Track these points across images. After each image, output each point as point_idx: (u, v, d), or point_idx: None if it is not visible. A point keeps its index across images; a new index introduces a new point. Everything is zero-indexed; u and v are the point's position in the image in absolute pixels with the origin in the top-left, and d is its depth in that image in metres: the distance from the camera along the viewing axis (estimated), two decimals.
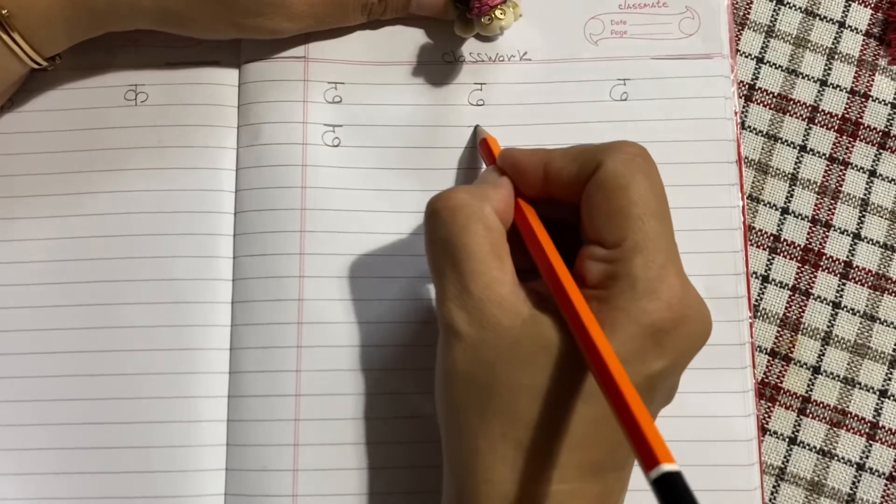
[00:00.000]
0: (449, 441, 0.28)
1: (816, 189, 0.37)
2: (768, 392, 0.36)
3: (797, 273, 0.37)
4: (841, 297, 0.37)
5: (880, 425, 0.36)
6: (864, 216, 0.37)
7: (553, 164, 0.29)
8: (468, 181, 0.36)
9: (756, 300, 0.37)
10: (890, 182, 0.37)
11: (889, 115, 0.38)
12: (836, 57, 0.38)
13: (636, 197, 0.27)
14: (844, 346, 0.36)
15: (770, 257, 0.37)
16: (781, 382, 0.36)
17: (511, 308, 0.26)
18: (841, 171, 0.37)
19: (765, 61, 0.38)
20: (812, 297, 0.37)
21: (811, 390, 0.36)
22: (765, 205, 0.37)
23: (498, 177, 0.30)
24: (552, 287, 0.27)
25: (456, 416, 0.27)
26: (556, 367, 0.26)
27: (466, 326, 0.27)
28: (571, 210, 0.29)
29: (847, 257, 0.37)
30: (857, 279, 0.37)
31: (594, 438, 0.26)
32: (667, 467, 0.20)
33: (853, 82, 0.38)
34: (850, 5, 0.38)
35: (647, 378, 0.26)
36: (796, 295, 0.37)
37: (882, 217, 0.37)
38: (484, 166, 0.35)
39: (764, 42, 0.38)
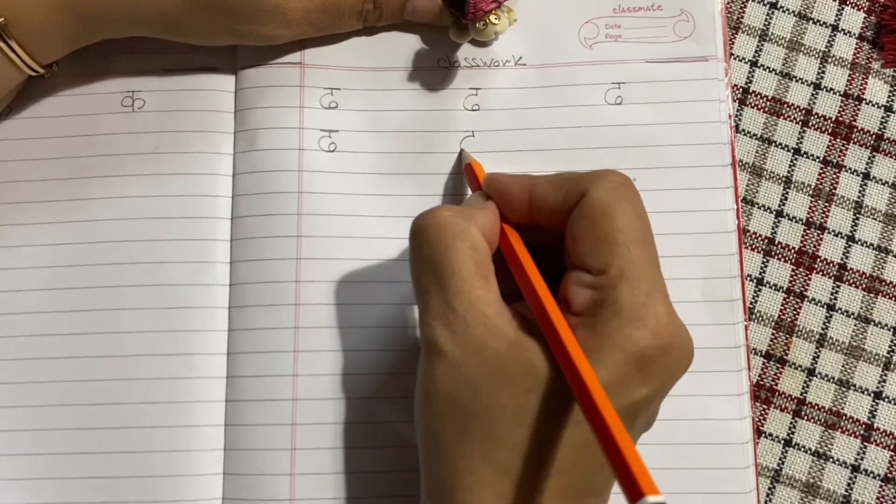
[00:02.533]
0: (427, 461, 0.27)
1: (810, 192, 0.37)
2: (763, 394, 0.36)
3: (791, 275, 0.37)
4: (835, 299, 0.37)
5: (875, 427, 0.36)
6: (858, 219, 0.37)
7: (538, 192, 0.29)
8: (463, 186, 0.36)
9: (751, 303, 0.37)
10: (883, 185, 0.37)
11: (882, 118, 0.38)
12: (830, 60, 0.38)
13: (621, 224, 0.27)
14: (839, 348, 0.36)
15: (764, 260, 0.37)
16: (776, 385, 0.36)
17: (496, 329, 0.26)
18: (835, 173, 0.38)
19: (759, 65, 0.38)
20: (806, 299, 0.37)
21: (806, 392, 0.36)
22: (759, 208, 0.37)
23: (484, 201, 0.30)
24: (537, 314, 0.26)
25: (435, 436, 0.27)
26: (541, 392, 0.25)
27: (450, 345, 0.26)
28: (554, 236, 0.29)
29: (841, 260, 0.37)
30: (851, 281, 0.37)
31: (576, 464, 0.26)
32: (651, 499, 0.20)
33: (847, 85, 0.38)
34: (843, 9, 0.39)
35: (630, 405, 0.26)
36: (791, 297, 0.37)
37: (876, 219, 0.37)
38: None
39: (758, 46, 0.38)
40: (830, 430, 0.36)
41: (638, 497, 0.21)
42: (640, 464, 0.21)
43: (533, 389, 0.26)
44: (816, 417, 0.36)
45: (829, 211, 0.37)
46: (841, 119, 0.38)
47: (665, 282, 0.27)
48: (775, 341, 0.36)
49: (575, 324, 0.26)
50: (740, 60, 0.38)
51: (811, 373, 0.36)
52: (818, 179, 0.38)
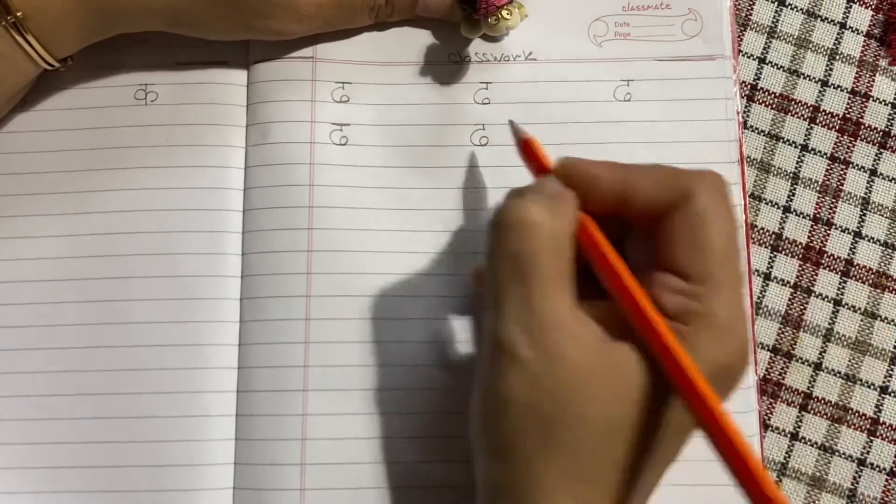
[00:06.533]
0: (495, 469, 0.26)
1: (818, 188, 0.38)
2: (770, 388, 0.36)
3: (799, 271, 0.37)
4: (842, 294, 0.37)
5: (881, 421, 0.36)
6: (864, 215, 0.37)
7: (637, 185, 0.27)
8: (473, 180, 0.36)
9: (758, 298, 0.37)
10: (890, 181, 0.38)
11: (889, 115, 0.38)
12: (838, 57, 0.39)
13: (725, 236, 0.26)
14: (845, 343, 0.37)
15: (772, 255, 0.37)
16: (783, 379, 0.36)
17: (580, 337, 0.25)
18: (842, 170, 0.38)
19: (767, 62, 0.39)
20: (813, 294, 0.37)
21: (813, 387, 0.36)
22: (767, 203, 0.38)
23: (562, 189, 0.28)
24: (634, 317, 0.25)
25: (511, 445, 0.25)
26: (630, 402, 0.25)
27: (528, 351, 0.25)
28: (621, 226, 0.28)
29: (848, 255, 0.37)
30: (858, 277, 0.37)
31: (663, 477, 0.25)
32: None
33: (854, 83, 0.38)
34: (851, 6, 0.39)
35: None
36: (798, 292, 0.37)
37: (883, 216, 0.37)
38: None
39: (766, 43, 0.39)
40: (837, 424, 0.36)
41: (765, 502, 0.21)
42: (762, 469, 0.22)
43: (622, 400, 0.25)
44: (823, 411, 0.36)
45: (836, 207, 0.37)
46: (848, 116, 0.38)
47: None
48: (782, 336, 0.37)
49: None
50: (748, 57, 0.39)
51: (818, 367, 0.36)
52: (825, 176, 0.38)
